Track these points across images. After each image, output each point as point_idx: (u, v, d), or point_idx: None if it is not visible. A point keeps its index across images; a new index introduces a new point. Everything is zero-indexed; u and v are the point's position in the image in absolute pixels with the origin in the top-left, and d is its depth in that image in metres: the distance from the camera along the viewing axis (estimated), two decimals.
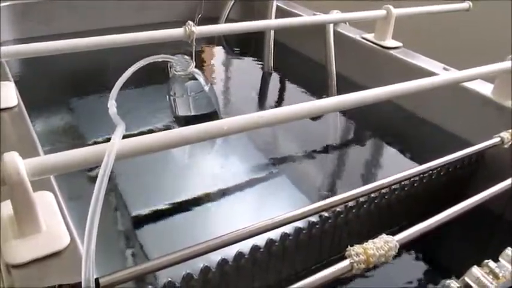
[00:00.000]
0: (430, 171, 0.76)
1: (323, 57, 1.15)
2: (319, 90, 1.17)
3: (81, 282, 0.35)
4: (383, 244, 0.43)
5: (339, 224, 0.68)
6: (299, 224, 0.63)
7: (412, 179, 0.74)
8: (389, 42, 1.12)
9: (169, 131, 0.48)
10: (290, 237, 0.63)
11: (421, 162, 0.92)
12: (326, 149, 1.01)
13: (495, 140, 0.66)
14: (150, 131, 1.02)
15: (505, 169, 0.80)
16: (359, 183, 0.92)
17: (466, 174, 0.83)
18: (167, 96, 0.94)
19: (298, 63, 1.34)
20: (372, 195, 0.70)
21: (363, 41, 1.15)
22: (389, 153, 1.00)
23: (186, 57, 0.87)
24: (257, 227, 0.45)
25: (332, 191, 0.89)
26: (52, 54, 0.72)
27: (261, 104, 1.21)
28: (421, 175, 0.74)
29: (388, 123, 1.06)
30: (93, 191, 0.39)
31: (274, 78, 1.29)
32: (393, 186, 0.72)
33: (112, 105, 0.64)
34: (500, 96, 0.84)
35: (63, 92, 1.12)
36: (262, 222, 0.45)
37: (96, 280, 0.36)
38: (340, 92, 1.09)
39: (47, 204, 0.46)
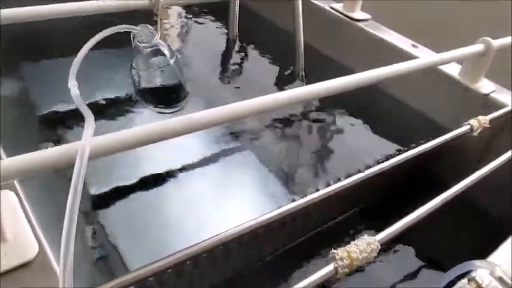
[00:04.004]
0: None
1: (291, 25, 1.11)
2: (285, 59, 1.14)
3: None
4: (366, 246, 0.43)
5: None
6: None
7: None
8: (358, 14, 1.09)
9: (149, 125, 0.44)
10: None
11: (384, 135, 0.95)
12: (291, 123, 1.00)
13: (465, 128, 0.67)
14: (112, 103, 0.97)
15: (470, 151, 0.83)
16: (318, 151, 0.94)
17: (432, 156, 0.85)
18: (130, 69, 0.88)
19: (265, 30, 1.30)
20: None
21: (331, 11, 1.12)
22: (356, 125, 1.01)
23: (149, 27, 0.81)
24: (241, 229, 0.44)
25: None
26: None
27: (224, 74, 1.17)
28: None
29: (356, 99, 1.06)
30: (67, 200, 0.36)
31: (239, 46, 1.24)
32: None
33: (73, 86, 0.57)
34: (467, 78, 0.85)
35: (17, 61, 1.02)
36: (246, 224, 0.44)
37: None
38: (306, 60, 1.07)
39: (11, 208, 0.42)
